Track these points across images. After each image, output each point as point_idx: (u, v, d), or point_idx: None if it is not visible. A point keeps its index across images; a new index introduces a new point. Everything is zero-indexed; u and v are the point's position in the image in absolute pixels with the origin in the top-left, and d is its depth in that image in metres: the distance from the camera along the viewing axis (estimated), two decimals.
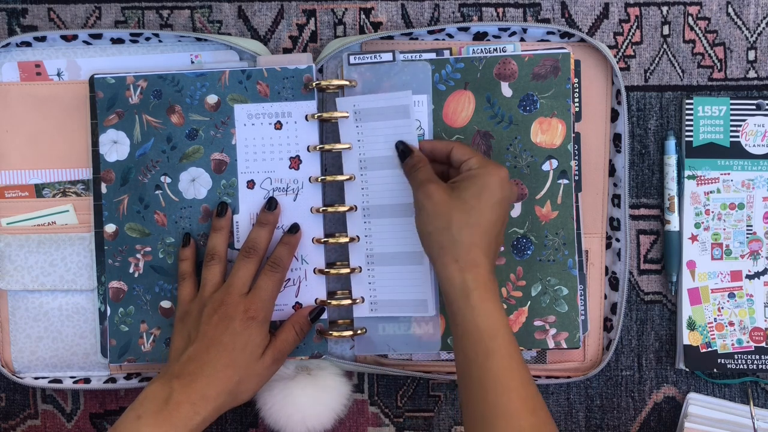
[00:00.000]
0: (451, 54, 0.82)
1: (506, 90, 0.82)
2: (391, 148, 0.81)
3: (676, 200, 0.85)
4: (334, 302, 0.83)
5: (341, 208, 0.82)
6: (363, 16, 0.86)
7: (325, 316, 0.83)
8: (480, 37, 0.84)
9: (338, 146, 0.82)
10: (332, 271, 0.83)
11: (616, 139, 0.83)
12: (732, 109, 0.84)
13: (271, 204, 0.82)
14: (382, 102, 0.81)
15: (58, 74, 0.85)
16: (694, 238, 0.85)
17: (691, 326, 0.85)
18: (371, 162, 0.82)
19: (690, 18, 0.85)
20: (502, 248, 0.82)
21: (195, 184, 0.83)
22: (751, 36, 0.85)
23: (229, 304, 0.77)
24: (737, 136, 0.84)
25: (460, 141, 0.82)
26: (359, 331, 0.84)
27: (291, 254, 0.82)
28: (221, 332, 0.76)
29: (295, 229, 0.82)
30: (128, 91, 0.83)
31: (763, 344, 0.85)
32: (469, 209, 0.73)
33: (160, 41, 0.85)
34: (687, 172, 0.85)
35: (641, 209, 0.86)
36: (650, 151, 0.86)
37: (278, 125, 0.83)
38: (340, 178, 0.82)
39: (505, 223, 0.76)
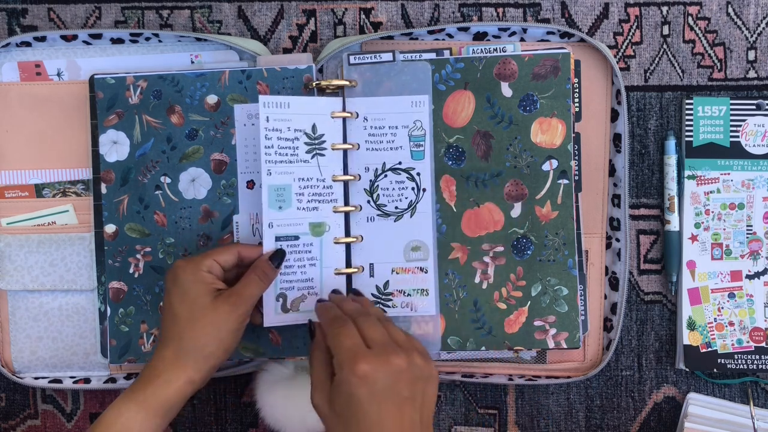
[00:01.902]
0: (451, 54, 0.82)
1: (506, 90, 0.82)
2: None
3: (676, 200, 0.85)
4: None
5: (346, 208, 0.82)
6: (363, 16, 0.86)
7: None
8: (480, 37, 0.84)
9: (339, 146, 0.82)
10: (343, 271, 0.83)
11: (616, 139, 0.83)
12: (732, 109, 0.84)
13: (279, 258, 0.79)
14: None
15: (58, 74, 0.85)
16: (694, 238, 0.85)
17: (691, 326, 0.85)
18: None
19: (690, 18, 0.85)
20: (502, 248, 0.82)
21: (195, 184, 0.83)
22: (751, 36, 0.85)
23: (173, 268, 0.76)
24: (737, 136, 0.84)
25: (460, 139, 0.82)
26: None
27: (262, 283, 0.78)
28: (179, 301, 0.75)
29: (277, 260, 0.79)
30: (128, 92, 0.83)
31: (763, 344, 0.84)
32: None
33: (160, 41, 0.85)
34: (687, 172, 0.85)
35: (641, 209, 0.86)
36: (650, 151, 0.86)
37: None
38: (343, 178, 0.82)
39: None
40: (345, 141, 0.82)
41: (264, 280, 0.77)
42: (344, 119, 0.82)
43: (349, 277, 0.83)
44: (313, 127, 0.80)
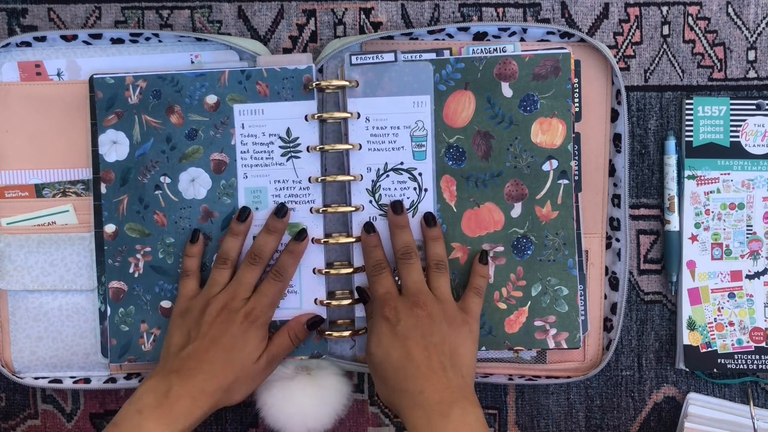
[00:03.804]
0: (451, 54, 0.82)
1: (506, 90, 0.82)
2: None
3: (676, 200, 0.85)
4: (334, 302, 0.83)
5: (347, 209, 0.82)
6: (363, 16, 0.86)
7: (323, 315, 0.83)
8: (480, 37, 0.84)
9: (339, 146, 0.82)
10: (332, 271, 0.83)
11: (616, 139, 0.83)
12: (732, 109, 0.84)
13: (280, 211, 0.82)
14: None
15: (58, 74, 0.85)
16: (694, 238, 0.85)
17: (691, 326, 0.85)
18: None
19: (690, 18, 0.85)
20: (502, 248, 0.82)
21: (194, 184, 0.83)
22: (751, 36, 0.85)
23: (232, 307, 0.78)
24: (737, 136, 0.84)
25: (461, 139, 0.82)
26: (360, 331, 0.84)
27: (296, 263, 0.82)
28: (221, 333, 0.76)
29: (302, 236, 0.82)
30: (127, 92, 0.83)
31: (763, 344, 0.85)
32: None
33: (160, 41, 0.85)
34: (687, 172, 0.85)
35: (641, 209, 0.86)
36: (650, 151, 0.86)
37: None
38: (345, 178, 0.82)
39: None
40: (346, 141, 0.82)
41: (296, 342, 0.82)
42: (345, 119, 0.82)
43: (328, 277, 0.84)
44: (288, 131, 0.82)
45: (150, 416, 0.72)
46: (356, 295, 0.83)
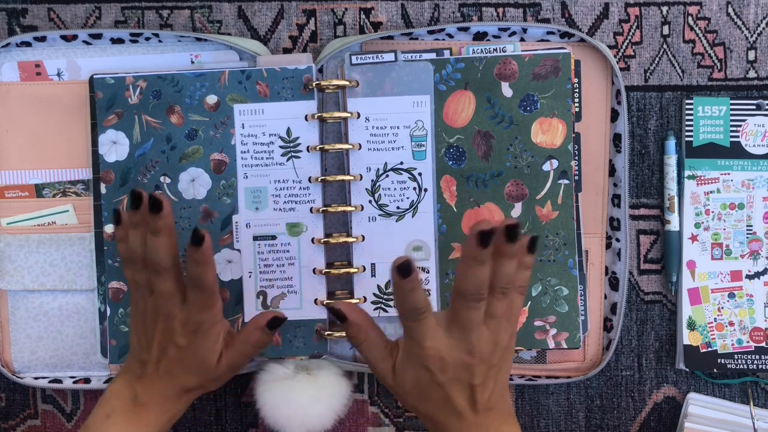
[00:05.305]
0: (451, 54, 0.82)
1: (506, 90, 0.82)
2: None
3: (676, 200, 0.85)
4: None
5: (347, 208, 0.82)
6: (363, 16, 0.86)
7: (324, 315, 0.83)
8: (480, 37, 0.84)
9: (338, 146, 0.82)
10: (333, 271, 0.83)
11: (616, 139, 0.84)
12: (732, 109, 0.84)
13: (196, 238, 0.70)
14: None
15: (58, 74, 0.85)
16: (694, 238, 0.85)
17: (691, 326, 0.85)
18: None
19: (690, 18, 0.85)
20: None
21: (194, 184, 0.83)
22: (751, 36, 0.85)
23: (170, 316, 0.72)
24: (737, 136, 0.84)
25: (461, 139, 0.82)
26: None
27: (207, 268, 0.71)
28: (167, 343, 0.73)
29: (198, 240, 0.70)
30: (127, 92, 0.83)
31: (763, 344, 0.85)
32: None
33: (160, 41, 0.85)
34: (687, 172, 0.85)
35: (641, 209, 0.86)
36: (650, 151, 0.86)
37: None
38: (345, 177, 0.82)
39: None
40: (346, 141, 0.82)
41: (257, 348, 0.76)
42: (345, 119, 0.82)
43: (329, 277, 0.84)
44: (288, 131, 0.82)
45: (118, 421, 0.72)
46: (356, 295, 0.83)
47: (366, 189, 0.83)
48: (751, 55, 0.85)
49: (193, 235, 0.69)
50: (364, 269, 0.83)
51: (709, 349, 0.85)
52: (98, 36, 0.84)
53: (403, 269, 0.65)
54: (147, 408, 0.73)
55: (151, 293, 0.73)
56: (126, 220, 0.73)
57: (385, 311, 0.83)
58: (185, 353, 0.73)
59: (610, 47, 0.85)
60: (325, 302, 0.82)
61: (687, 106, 0.85)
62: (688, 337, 0.85)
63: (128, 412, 0.72)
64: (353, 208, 0.82)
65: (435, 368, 0.69)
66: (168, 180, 0.83)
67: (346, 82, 0.82)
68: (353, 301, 0.83)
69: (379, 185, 0.83)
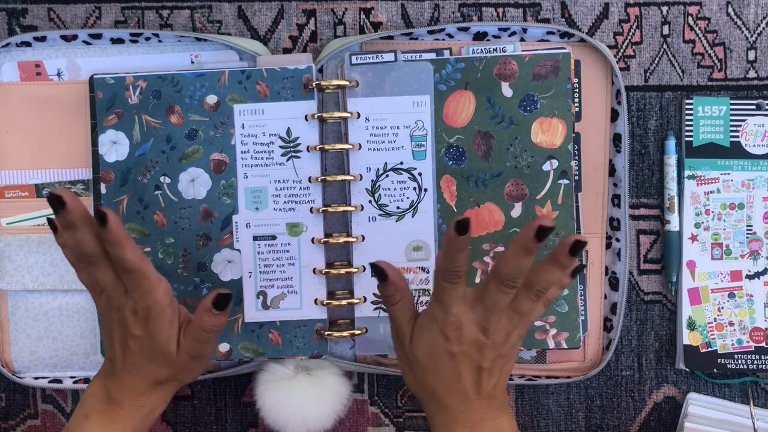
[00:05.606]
0: (451, 54, 0.83)
1: (506, 90, 0.82)
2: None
3: (676, 200, 0.85)
4: (334, 302, 0.83)
5: (347, 208, 0.82)
6: (363, 16, 0.86)
7: (324, 315, 0.83)
8: (480, 37, 0.84)
9: (338, 146, 0.82)
10: (332, 271, 0.83)
11: (616, 139, 0.84)
12: (732, 109, 0.84)
13: (99, 218, 0.66)
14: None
15: (58, 74, 0.85)
16: (694, 238, 0.85)
17: (691, 326, 0.85)
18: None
19: (690, 18, 0.85)
20: (503, 248, 0.82)
21: (194, 184, 0.83)
22: (751, 36, 0.85)
23: (120, 308, 0.71)
24: (737, 136, 0.84)
25: (461, 139, 0.82)
26: (360, 331, 0.84)
27: (122, 247, 0.67)
28: (125, 335, 0.72)
29: (101, 220, 0.66)
30: (127, 92, 0.83)
31: (763, 344, 0.85)
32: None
33: (160, 41, 0.85)
34: (687, 172, 0.85)
35: (641, 209, 0.86)
36: (650, 151, 0.86)
37: None
38: (345, 177, 0.82)
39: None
40: (346, 141, 0.83)
41: (212, 333, 0.72)
42: (345, 119, 0.82)
43: (329, 277, 0.84)
44: (288, 131, 0.82)
45: (96, 420, 0.71)
46: (356, 295, 0.83)
47: (366, 189, 0.83)
48: (751, 55, 0.85)
49: (95, 215, 0.66)
50: (364, 269, 0.83)
51: (709, 349, 0.85)
52: (98, 36, 0.84)
53: (462, 226, 0.64)
54: (121, 405, 0.72)
55: (103, 290, 0.71)
56: (58, 226, 0.70)
57: (385, 311, 0.83)
58: (144, 342, 0.71)
59: (610, 47, 0.85)
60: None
61: (687, 106, 0.85)
62: (688, 337, 0.85)
63: (103, 411, 0.72)
64: (353, 208, 0.83)
65: (452, 336, 0.69)
66: (168, 180, 0.83)
67: (346, 82, 0.82)
68: (354, 300, 0.83)
69: (379, 185, 0.83)
